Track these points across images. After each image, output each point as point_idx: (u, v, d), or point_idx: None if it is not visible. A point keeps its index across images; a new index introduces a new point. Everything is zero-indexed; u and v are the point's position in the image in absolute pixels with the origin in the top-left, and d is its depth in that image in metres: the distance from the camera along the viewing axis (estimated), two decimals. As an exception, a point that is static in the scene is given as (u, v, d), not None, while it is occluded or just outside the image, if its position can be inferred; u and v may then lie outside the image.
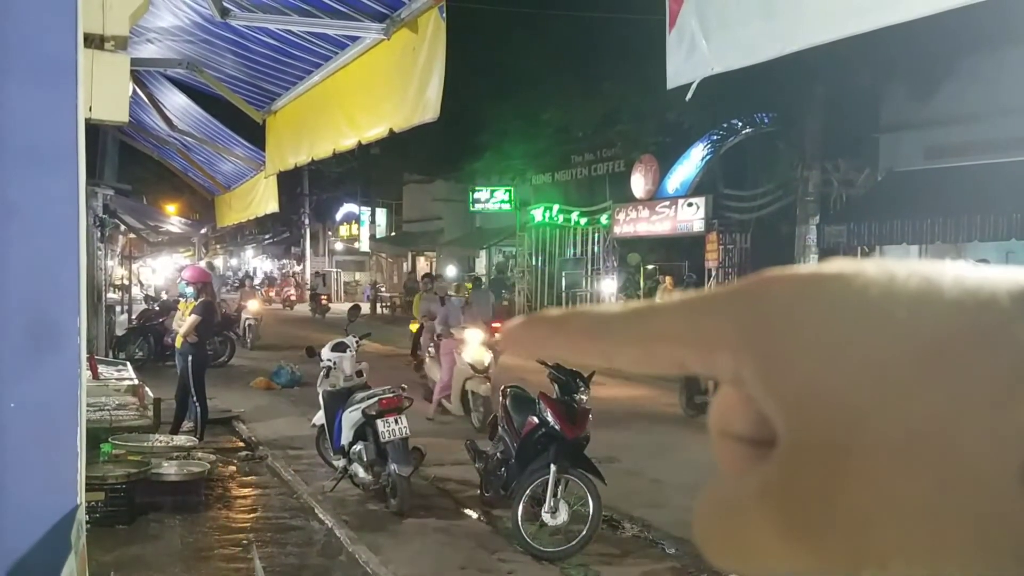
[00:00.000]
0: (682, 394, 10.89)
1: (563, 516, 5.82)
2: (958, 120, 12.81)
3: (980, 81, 12.56)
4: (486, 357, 9.74)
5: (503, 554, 5.81)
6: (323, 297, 30.46)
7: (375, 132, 4.04)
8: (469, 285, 15.24)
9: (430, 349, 11.61)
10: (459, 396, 9.97)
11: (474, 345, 9.84)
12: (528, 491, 5.92)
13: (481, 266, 30.13)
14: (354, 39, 4.16)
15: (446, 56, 3.37)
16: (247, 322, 18.76)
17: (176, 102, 8.30)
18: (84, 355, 2.50)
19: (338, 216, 42.44)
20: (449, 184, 29.55)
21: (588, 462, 5.99)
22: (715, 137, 17.25)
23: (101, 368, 8.83)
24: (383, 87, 3.89)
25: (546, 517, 5.82)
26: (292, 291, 36.17)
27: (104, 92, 2.83)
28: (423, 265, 35.46)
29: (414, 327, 13.82)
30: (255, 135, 7.20)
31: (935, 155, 13.33)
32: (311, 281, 34.32)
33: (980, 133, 12.50)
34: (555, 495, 5.82)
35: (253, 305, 19.59)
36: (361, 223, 39.05)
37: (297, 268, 42.91)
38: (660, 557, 5.93)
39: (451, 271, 26.82)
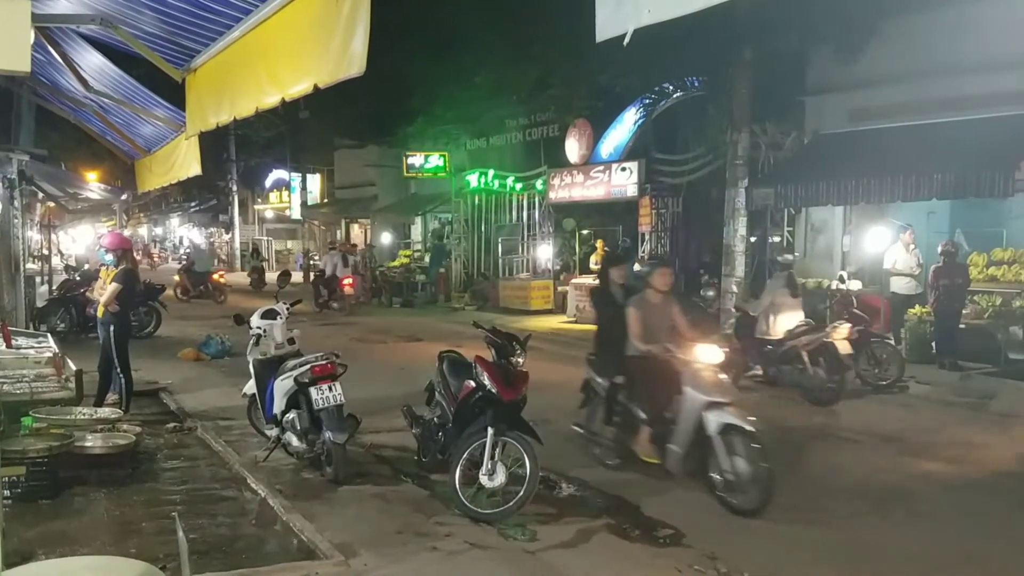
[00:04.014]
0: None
1: (500, 478, 5.85)
2: (882, 83, 13.09)
3: (903, 44, 12.84)
4: None
5: (441, 517, 5.80)
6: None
7: (299, 88, 3.88)
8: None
9: None
10: None
11: None
12: (466, 454, 5.92)
13: (416, 233, 29.82)
14: (276, -12, 3.98)
15: (371, 6, 3.25)
16: None
17: (91, 61, 7.90)
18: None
19: (267, 183, 41.41)
20: (382, 149, 29.02)
21: (525, 424, 6.02)
22: (647, 101, 17.28)
23: (19, 340, 8.50)
24: (306, 40, 3.73)
25: (484, 480, 5.84)
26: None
27: (2, 39, 2.65)
28: (357, 232, 34.95)
29: None
30: (175, 96, 6.90)
31: (860, 117, 13.61)
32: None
33: (903, 95, 12.81)
34: (492, 457, 5.83)
35: None
36: (292, 190, 38.06)
37: (226, 236, 41.86)
38: (595, 515, 6.00)
39: (386, 238, 26.43)
